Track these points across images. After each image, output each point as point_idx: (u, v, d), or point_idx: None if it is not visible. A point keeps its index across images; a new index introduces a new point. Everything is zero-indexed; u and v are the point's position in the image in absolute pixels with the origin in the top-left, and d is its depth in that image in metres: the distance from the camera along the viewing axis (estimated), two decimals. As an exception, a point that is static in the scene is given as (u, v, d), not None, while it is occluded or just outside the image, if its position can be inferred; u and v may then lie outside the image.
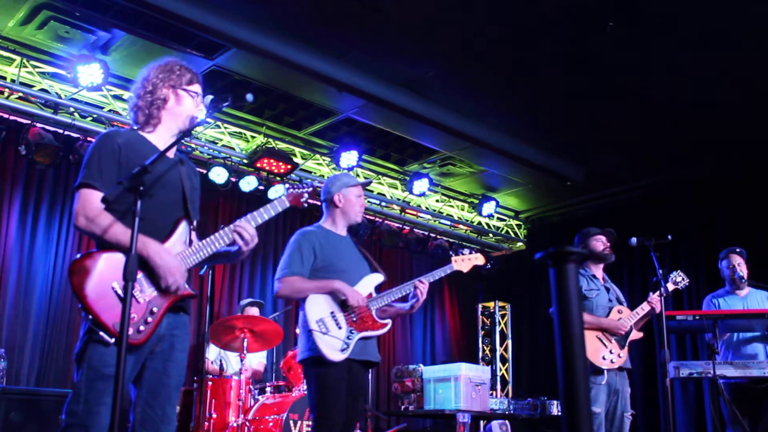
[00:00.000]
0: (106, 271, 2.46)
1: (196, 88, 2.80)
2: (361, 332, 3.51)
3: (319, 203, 8.36)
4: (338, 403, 3.38)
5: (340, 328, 3.47)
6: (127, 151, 2.61)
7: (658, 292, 4.57)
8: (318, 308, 3.48)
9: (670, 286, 4.85)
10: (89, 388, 2.40)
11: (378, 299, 3.64)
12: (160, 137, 2.74)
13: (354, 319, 3.51)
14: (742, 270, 5.34)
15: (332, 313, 3.49)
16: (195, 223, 2.78)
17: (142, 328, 2.46)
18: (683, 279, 4.89)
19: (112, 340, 2.39)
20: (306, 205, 3.02)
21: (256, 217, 2.75)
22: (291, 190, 2.97)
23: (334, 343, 3.42)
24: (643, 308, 4.74)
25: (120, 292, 2.43)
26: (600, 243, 4.85)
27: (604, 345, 4.58)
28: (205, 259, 2.67)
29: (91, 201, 2.51)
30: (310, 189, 3.02)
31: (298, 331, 3.77)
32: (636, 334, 4.75)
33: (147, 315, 2.49)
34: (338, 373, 3.41)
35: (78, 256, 2.52)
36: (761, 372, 4.72)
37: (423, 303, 3.77)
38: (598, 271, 4.85)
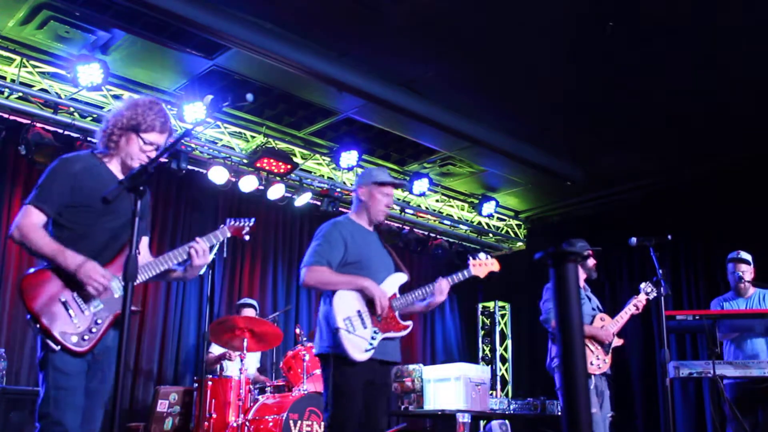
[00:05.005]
0: (55, 285, 2.66)
1: (151, 137, 2.90)
2: (385, 333, 3.48)
3: (318, 204, 8.34)
4: (353, 404, 3.33)
5: (365, 327, 3.42)
6: (85, 176, 2.80)
7: (634, 300, 4.92)
8: (346, 306, 3.42)
9: (642, 297, 5.01)
10: (57, 390, 2.61)
11: (401, 299, 3.60)
12: (116, 166, 2.94)
13: (379, 319, 3.47)
14: (742, 277, 5.38)
15: (359, 312, 3.44)
16: (144, 241, 3.02)
17: (86, 337, 2.66)
18: (653, 290, 5.02)
19: (58, 348, 2.62)
20: (247, 237, 3.26)
21: (210, 239, 3.04)
22: (232, 223, 3.22)
23: (360, 343, 3.37)
24: (622, 317, 4.94)
25: (69, 304, 2.66)
26: (591, 259, 5.04)
27: (591, 351, 4.76)
28: (156, 275, 2.89)
29: (30, 217, 2.70)
30: (251, 223, 3.26)
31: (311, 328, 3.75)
32: (617, 341, 4.91)
33: (92, 325, 2.68)
34: (358, 374, 3.36)
35: (30, 271, 2.73)
36: (761, 372, 4.73)
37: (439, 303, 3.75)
38: (581, 281, 4.94)
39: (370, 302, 3.46)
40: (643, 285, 5.09)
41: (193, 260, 2.95)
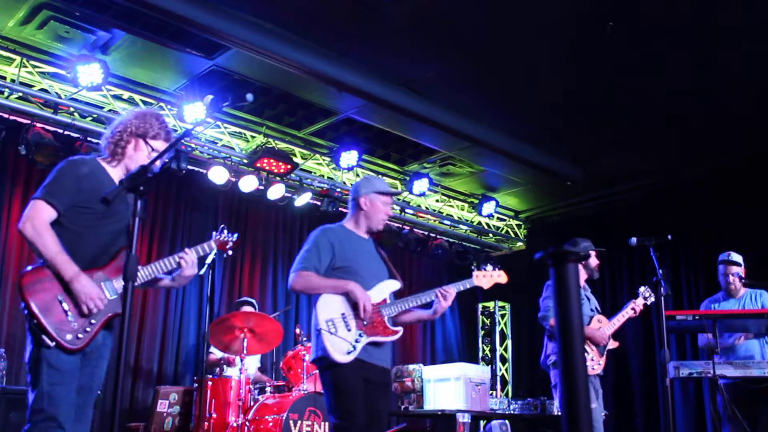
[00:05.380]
0: (53, 283, 2.75)
1: (157, 144, 3.05)
2: (370, 337, 3.46)
3: (318, 204, 8.33)
4: (356, 403, 3.32)
5: (349, 330, 3.42)
6: (90, 179, 2.91)
7: (632, 304, 4.92)
8: (329, 308, 3.43)
9: (640, 301, 4.99)
10: (51, 386, 2.69)
11: (392, 306, 3.58)
12: (118, 173, 3.04)
13: (365, 323, 3.46)
14: (735, 280, 5.40)
15: (343, 314, 3.44)
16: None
17: (81, 335, 2.77)
18: (651, 295, 5.01)
19: (53, 344, 2.70)
20: (231, 252, 3.45)
21: (198, 251, 3.16)
22: (218, 236, 3.40)
23: (341, 344, 3.37)
24: (619, 320, 4.87)
25: (66, 302, 2.74)
26: (595, 259, 5.01)
27: (587, 352, 4.74)
28: (145, 283, 3.00)
29: (42, 213, 2.79)
30: (234, 238, 3.45)
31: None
32: (612, 344, 4.89)
33: (86, 325, 2.78)
34: (352, 375, 3.35)
35: (28, 268, 2.82)
36: (761, 372, 4.73)
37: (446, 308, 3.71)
38: (581, 281, 4.94)
39: (355, 305, 3.45)
40: (642, 289, 5.07)
41: (183, 270, 3.07)
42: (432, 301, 3.67)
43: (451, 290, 3.66)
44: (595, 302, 5.09)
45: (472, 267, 4.02)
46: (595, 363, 4.74)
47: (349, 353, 3.37)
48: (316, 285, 3.47)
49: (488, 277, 3.93)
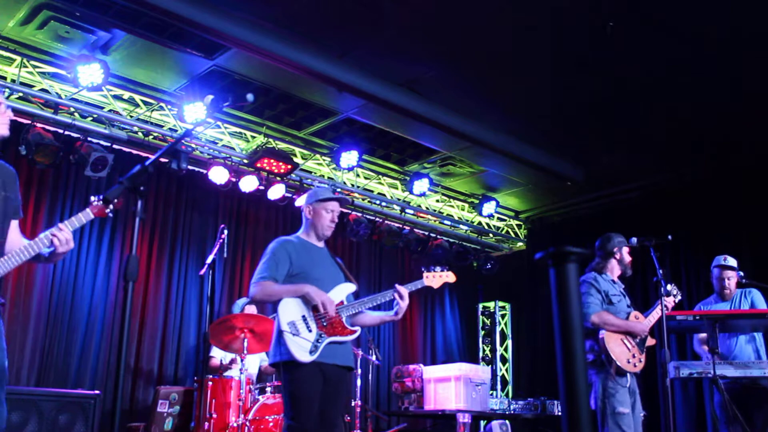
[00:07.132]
0: None
1: None
2: (330, 337, 3.61)
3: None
4: (309, 409, 3.48)
5: (310, 331, 3.59)
6: None
7: (668, 297, 4.74)
8: (290, 311, 3.59)
9: (669, 300, 4.92)
10: None
11: (350, 306, 3.75)
12: None
13: (324, 323, 3.62)
14: (730, 284, 5.42)
15: (303, 316, 3.60)
16: (13, 225, 3.00)
17: None
18: (678, 292, 4.98)
19: None
20: (111, 215, 2.96)
21: (74, 223, 2.92)
22: (96, 202, 3.00)
23: (304, 344, 3.53)
24: (654, 316, 4.79)
25: None
26: (628, 256, 4.96)
27: (628, 349, 4.60)
28: (28, 260, 2.86)
29: None
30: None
31: None
32: (650, 340, 4.79)
33: None
34: (309, 377, 3.51)
35: None
36: (761, 372, 4.73)
37: (406, 309, 3.85)
38: (615, 276, 4.90)
39: (315, 308, 3.62)
40: (669, 287, 4.99)
41: (57, 249, 2.90)
42: (392, 301, 3.83)
43: (404, 290, 3.83)
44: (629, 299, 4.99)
45: (422, 268, 4.17)
46: (636, 360, 4.58)
47: (311, 353, 3.53)
48: (275, 292, 3.63)
49: (437, 277, 4.11)
